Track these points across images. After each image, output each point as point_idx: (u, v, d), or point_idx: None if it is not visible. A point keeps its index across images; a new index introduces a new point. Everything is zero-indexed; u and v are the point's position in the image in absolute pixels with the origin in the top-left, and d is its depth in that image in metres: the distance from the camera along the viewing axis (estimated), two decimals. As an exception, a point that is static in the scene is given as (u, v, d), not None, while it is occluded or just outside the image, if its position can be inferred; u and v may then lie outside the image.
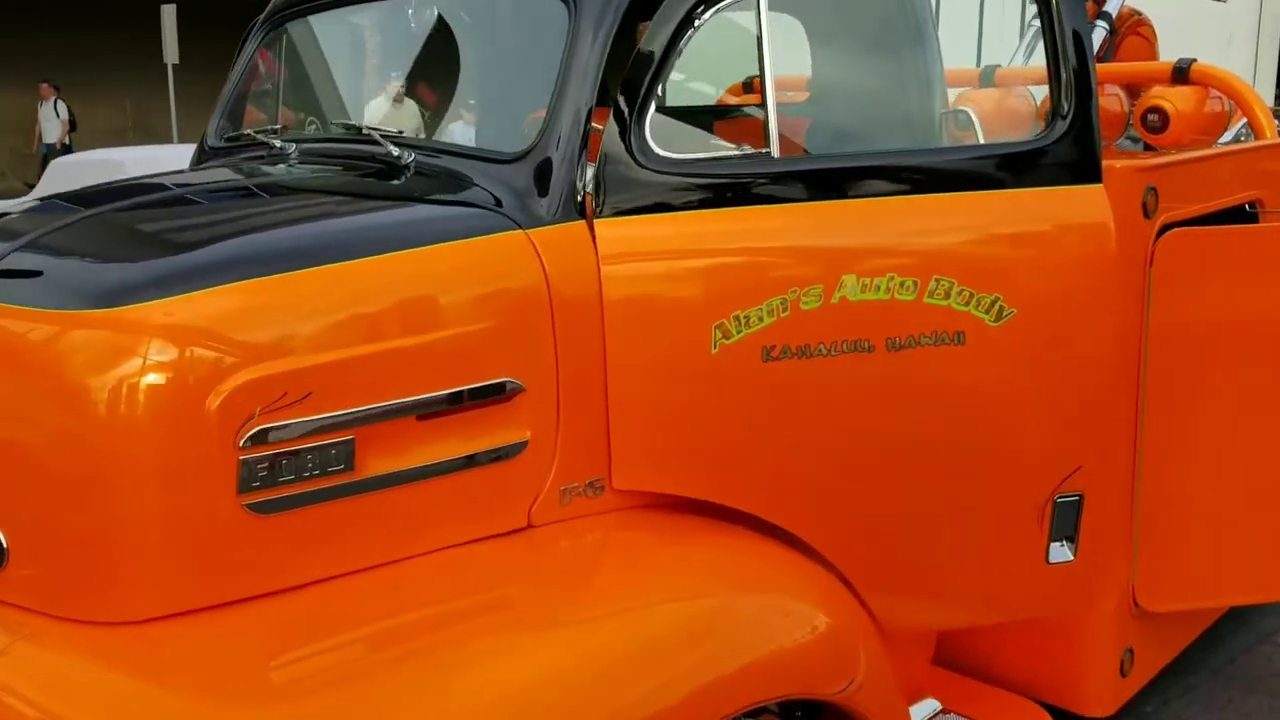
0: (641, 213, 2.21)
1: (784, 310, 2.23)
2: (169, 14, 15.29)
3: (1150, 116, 3.58)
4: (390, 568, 2.02)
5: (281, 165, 2.64)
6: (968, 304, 2.31)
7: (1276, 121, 5.71)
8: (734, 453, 2.28)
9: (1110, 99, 3.81)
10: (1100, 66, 3.86)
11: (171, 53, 15.46)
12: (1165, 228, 2.84)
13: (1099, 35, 4.68)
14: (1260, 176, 3.31)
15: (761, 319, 2.22)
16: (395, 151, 2.39)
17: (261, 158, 2.75)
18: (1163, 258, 2.81)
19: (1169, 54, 11.03)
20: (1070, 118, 2.47)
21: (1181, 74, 3.60)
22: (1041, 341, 2.43)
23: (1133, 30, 4.89)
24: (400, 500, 2.02)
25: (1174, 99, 3.55)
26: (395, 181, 2.37)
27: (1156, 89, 3.63)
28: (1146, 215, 2.80)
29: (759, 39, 2.25)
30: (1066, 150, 2.46)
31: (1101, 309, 2.50)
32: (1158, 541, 2.93)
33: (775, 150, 2.26)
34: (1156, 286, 2.82)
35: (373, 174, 2.44)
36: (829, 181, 2.30)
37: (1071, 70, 2.48)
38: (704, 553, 2.25)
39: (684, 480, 2.27)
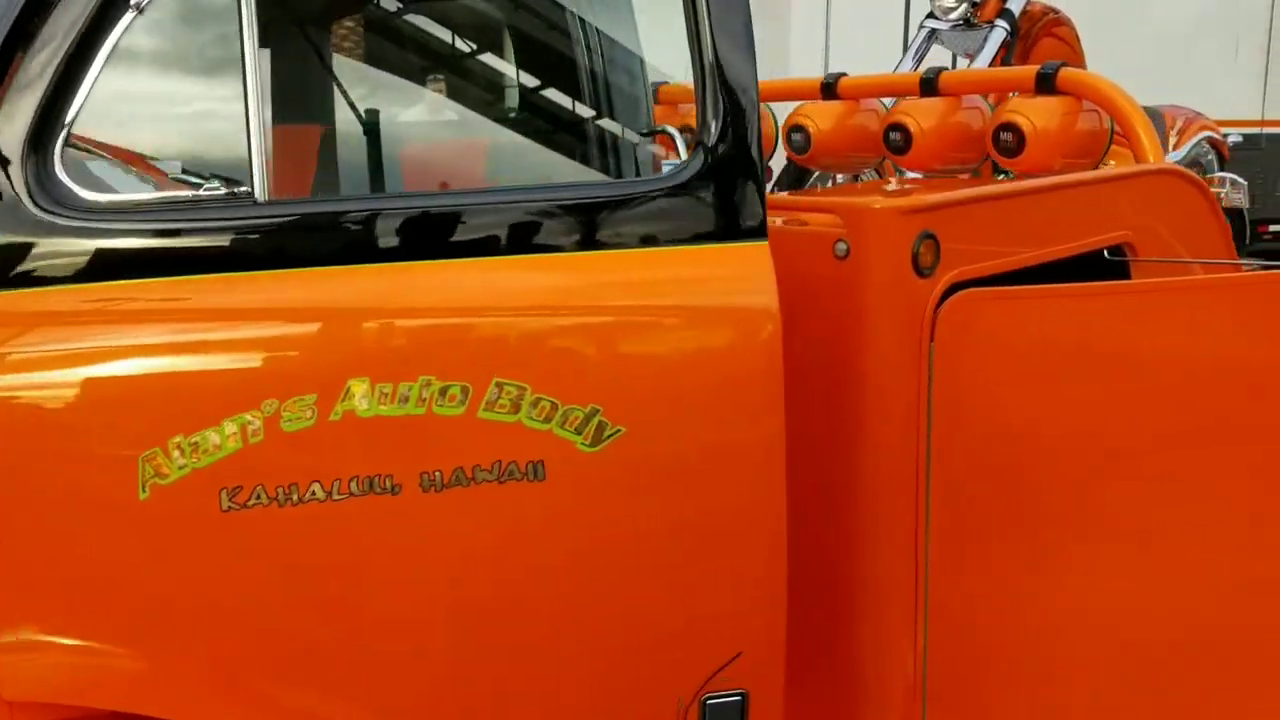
0: (40, 284, 1.47)
1: (255, 434, 1.47)
2: None
3: (1003, 135, 2.79)
4: None
5: None
6: (549, 420, 1.55)
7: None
8: (184, 646, 1.52)
9: (970, 113, 3.04)
10: (953, 74, 3.09)
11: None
12: (955, 287, 2.06)
13: (999, 37, 3.89)
14: (1128, 213, 2.51)
15: (219, 447, 1.46)
16: None
17: None
18: (947, 330, 2.03)
19: (1167, 69, 10.11)
20: (715, 149, 1.69)
21: (1047, 81, 2.81)
22: (666, 472, 1.65)
23: (1047, 31, 4.09)
24: None
25: (1032, 113, 2.76)
26: None
27: (1013, 101, 2.84)
28: (920, 272, 2.02)
29: (240, 33, 1.50)
30: (709, 195, 1.68)
31: (765, 421, 1.72)
32: None
33: (261, 190, 1.51)
34: (940, 369, 2.04)
35: None
36: (338, 236, 1.55)
37: (718, 82, 1.70)
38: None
39: (110, 687, 1.51)
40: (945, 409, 2.05)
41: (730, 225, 1.68)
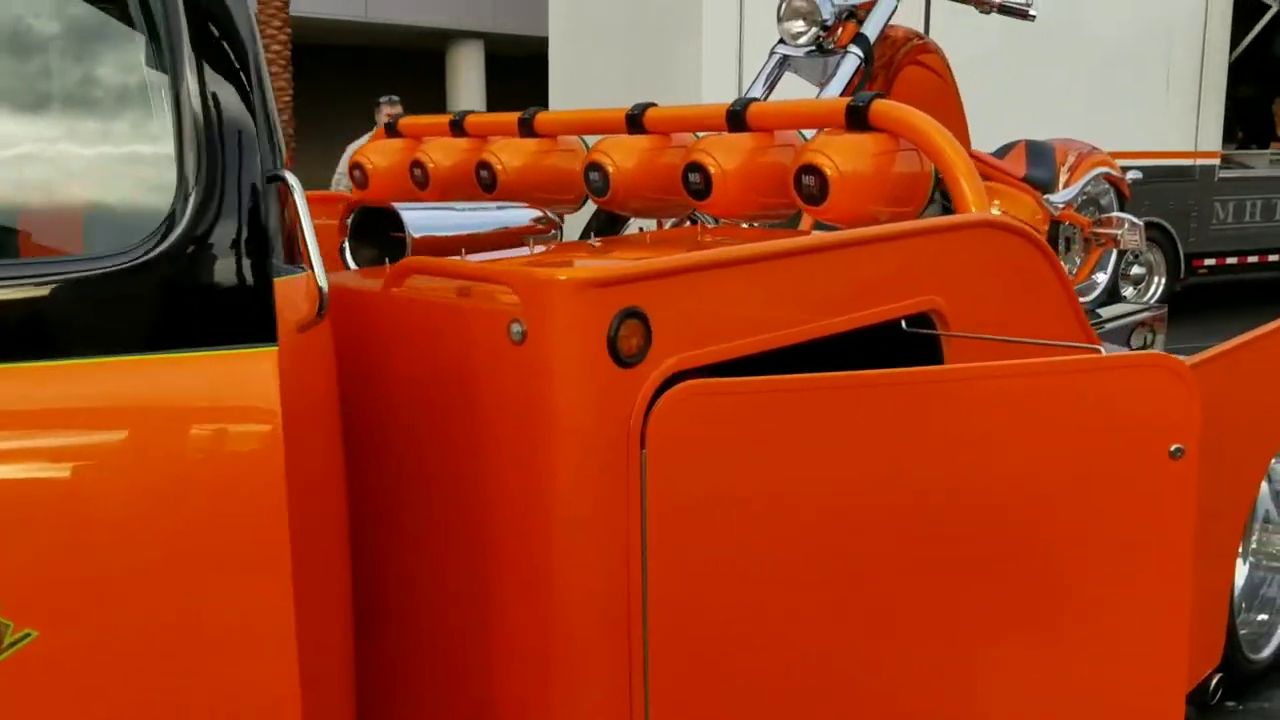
0: None
1: None
2: None
3: (805, 179, 2.38)
4: None
5: None
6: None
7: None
8: None
9: (784, 151, 2.62)
10: (763, 105, 2.67)
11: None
12: (678, 378, 1.64)
13: (851, 65, 3.48)
14: (934, 276, 2.10)
15: None
16: None
17: None
18: (664, 433, 1.60)
19: (1096, 100, 9.78)
20: (195, 218, 1.24)
21: (857, 115, 2.40)
22: (105, 688, 1.20)
23: (911, 59, 3.69)
24: None
25: (836, 153, 2.35)
26: None
27: (818, 138, 2.43)
28: (622, 361, 1.59)
29: None
30: (179, 284, 1.24)
31: (263, 600, 1.27)
32: None
33: None
34: (656, 484, 1.61)
35: None
36: None
37: (200, 127, 1.26)
38: None
39: None
40: (665, 535, 1.62)
41: (216, 325, 1.23)
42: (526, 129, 3.01)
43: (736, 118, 2.59)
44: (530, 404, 1.57)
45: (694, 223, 3.35)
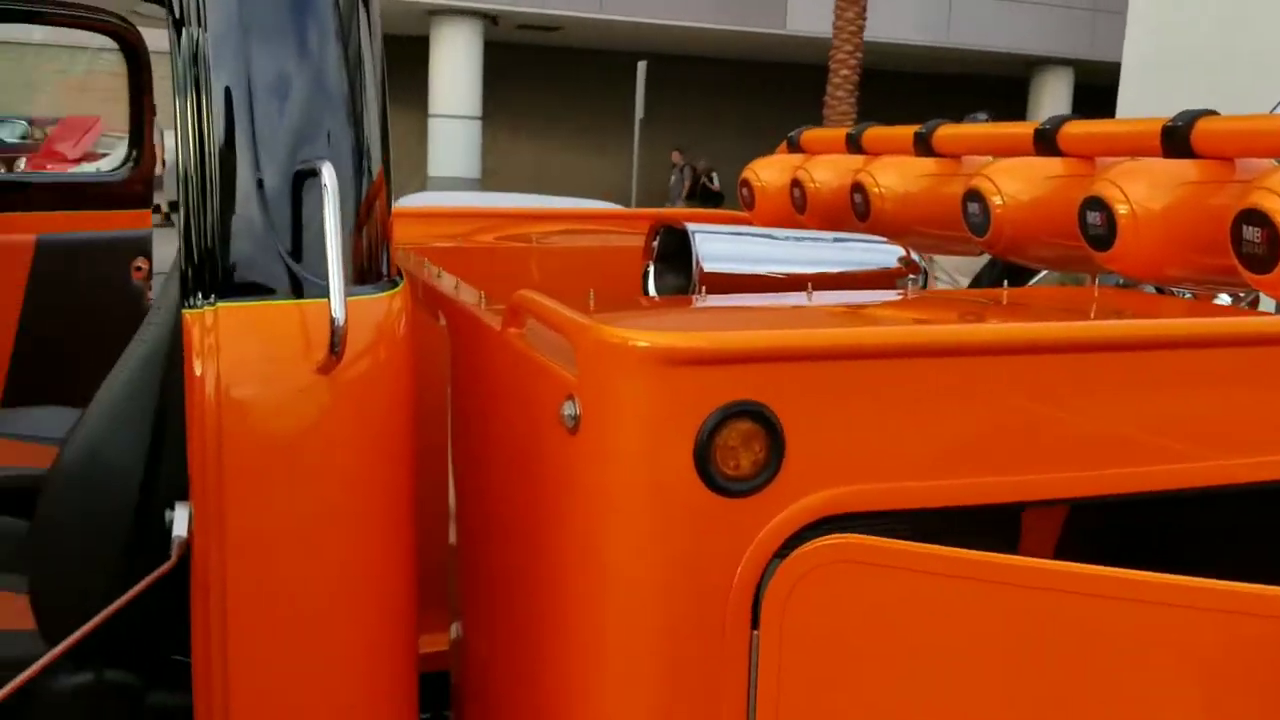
0: None
1: None
2: (641, 69, 15.41)
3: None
4: None
5: None
6: None
7: None
8: None
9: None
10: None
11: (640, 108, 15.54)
12: (814, 528, 0.99)
13: None
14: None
15: None
16: None
17: None
18: (788, 608, 0.98)
19: None
20: None
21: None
22: None
23: None
24: None
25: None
26: None
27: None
28: (720, 487, 0.97)
29: None
30: None
31: None
32: None
33: None
34: (769, 690, 0.99)
35: None
36: None
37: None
38: None
39: None
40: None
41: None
42: (922, 145, 2.36)
43: (1174, 136, 1.79)
44: (581, 540, 1.02)
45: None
